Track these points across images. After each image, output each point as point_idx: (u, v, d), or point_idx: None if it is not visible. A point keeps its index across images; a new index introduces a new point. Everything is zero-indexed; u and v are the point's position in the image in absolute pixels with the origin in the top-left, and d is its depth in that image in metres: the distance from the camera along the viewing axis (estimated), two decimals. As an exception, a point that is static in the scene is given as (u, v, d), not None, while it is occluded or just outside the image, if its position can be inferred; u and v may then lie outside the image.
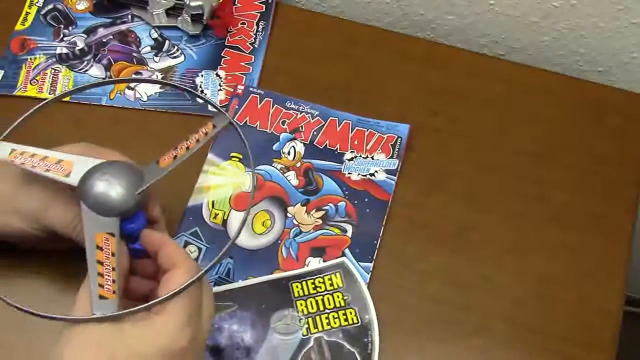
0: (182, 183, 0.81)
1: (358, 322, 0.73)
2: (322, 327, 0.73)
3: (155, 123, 0.85)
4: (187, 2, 0.88)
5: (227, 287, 0.75)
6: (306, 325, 0.73)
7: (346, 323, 0.73)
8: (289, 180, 0.81)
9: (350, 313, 0.74)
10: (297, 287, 0.75)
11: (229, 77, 0.88)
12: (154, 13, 0.90)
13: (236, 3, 0.93)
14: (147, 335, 0.57)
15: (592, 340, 0.74)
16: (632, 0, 0.83)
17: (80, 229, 0.62)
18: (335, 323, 0.73)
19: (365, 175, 0.81)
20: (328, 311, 0.74)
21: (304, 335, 0.73)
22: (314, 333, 0.73)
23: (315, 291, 0.75)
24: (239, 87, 0.87)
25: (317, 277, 0.76)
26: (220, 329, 0.73)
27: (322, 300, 0.74)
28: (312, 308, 0.74)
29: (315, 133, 0.84)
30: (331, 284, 0.75)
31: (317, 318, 0.74)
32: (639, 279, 1.13)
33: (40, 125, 0.85)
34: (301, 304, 0.74)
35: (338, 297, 0.75)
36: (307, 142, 0.83)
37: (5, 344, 0.74)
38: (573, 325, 0.75)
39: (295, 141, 0.83)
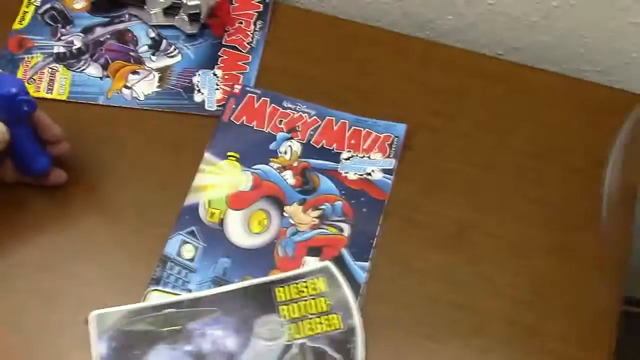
0: (179, 182, 0.81)
1: (342, 328, 0.73)
2: (306, 332, 0.72)
3: (152, 122, 0.85)
4: (185, 2, 0.88)
5: (210, 292, 0.75)
6: (289, 331, 0.73)
7: (330, 329, 0.73)
8: (285, 180, 0.81)
9: (334, 318, 0.73)
10: (280, 291, 0.74)
11: (226, 77, 0.88)
12: (151, 12, 0.90)
13: (234, 2, 0.93)
14: None
15: (591, 340, 0.74)
16: (632, 0, 0.83)
17: None
18: (318, 329, 0.72)
19: (362, 175, 0.81)
20: (311, 316, 0.73)
21: (287, 341, 0.72)
22: (298, 339, 0.72)
23: (298, 296, 0.74)
24: (236, 86, 0.87)
25: (300, 282, 0.75)
26: (203, 335, 0.72)
27: (306, 305, 0.74)
28: (296, 313, 0.73)
29: (312, 132, 0.84)
30: (314, 289, 0.75)
31: (301, 323, 0.73)
32: (637, 279, 1.12)
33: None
34: (284, 309, 0.74)
35: (321, 302, 0.74)
36: (304, 142, 0.83)
37: (2, 345, 0.74)
38: (572, 325, 0.75)
39: (292, 140, 0.83)
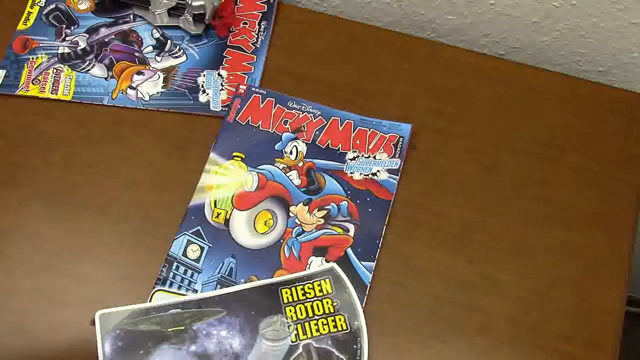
0: (184, 182, 0.81)
1: (347, 329, 0.73)
2: (311, 333, 0.73)
3: (157, 123, 0.85)
4: (189, 2, 0.88)
5: (216, 293, 0.75)
6: (295, 332, 0.73)
7: (335, 330, 0.73)
8: (291, 180, 0.81)
9: (340, 319, 0.73)
10: (286, 293, 0.75)
11: (231, 77, 0.88)
12: (156, 13, 0.90)
13: (238, 3, 0.93)
14: None
15: (594, 340, 0.75)
16: (632, 0, 0.84)
17: None
18: (324, 329, 0.73)
19: (368, 175, 0.81)
20: (317, 317, 0.74)
21: (292, 342, 0.73)
22: (303, 339, 0.73)
23: (304, 297, 0.75)
24: (241, 86, 0.87)
25: (306, 283, 0.75)
26: (209, 335, 0.73)
27: (312, 306, 0.74)
28: (302, 314, 0.74)
29: (317, 133, 0.84)
30: (320, 290, 0.75)
31: (306, 324, 0.73)
32: (637, 279, 1.13)
33: (42, 124, 0.85)
34: (290, 310, 0.74)
35: (327, 303, 0.74)
36: (309, 142, 0.83)
37: (3, 346, 0.74)
38: (575, 324, 0.75)
39: (297, 141, 0.84)
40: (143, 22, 0.92)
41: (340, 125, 0.84)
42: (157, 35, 0.91)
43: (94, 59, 0.89)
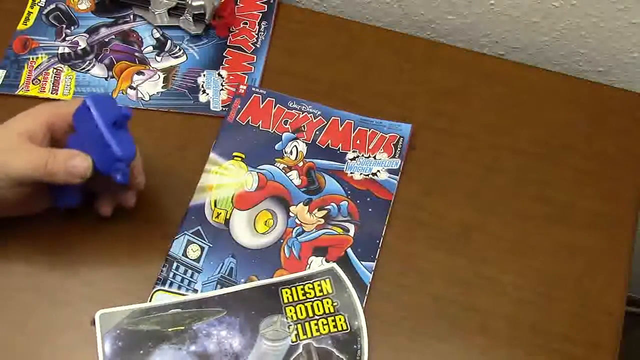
0: (185, 182, 0.81)
1: (347, 329, 0.73)
2: (311, 333, 0.73)
3: (157, 123, 0.85)
4: (189, 2, 0.88)
5: (216, 293, 0.75)
6: (295, 332, 0.73)
7: (335, 330, 0.73)
8: (291, 180, 0.81)
9: (340, 319, 0.73)
10: (286, 293, 0.75)
11: (231, 77, 0.88)
12: (156, 13, 0.90)
13: (238, 3, 0.93)
14: None
15: (594, 340, 0.75)
16: (632, 0, 0.84)
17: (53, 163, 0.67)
18: (324, 329, 0.73)
19: (368, 175, 0.81)
20: (317, 317, 0.74)
21: (292, 342, 0.73)
22: (303, 340, 0.73)
23: (304, 297, 0.74)
24: (241, 86, 0.87)
25: (306, 283, 0.75)
26: (209, 335, 0.73)
27: (312, 306, 0.74)
28: (302, 314, 0.74)
29: (317, 133, 0.84)
30: (321, 290, 0.75)
31: (306, 324, 0.73)
32: (637, 279, 1.13)
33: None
34: (290, 310, 0.74)
35: (327, 303, 0.74)
36: (310, 142, 0.83)
37: (5, 344, 0.74)
38: (575, 324, 0.75)
39: (298, 141, 0.84)
40: (143, 22, 0.92)
41: (340, 125, 0.84)
42: (157, 35, 0.91)
43: (94, 59, 0.89)
